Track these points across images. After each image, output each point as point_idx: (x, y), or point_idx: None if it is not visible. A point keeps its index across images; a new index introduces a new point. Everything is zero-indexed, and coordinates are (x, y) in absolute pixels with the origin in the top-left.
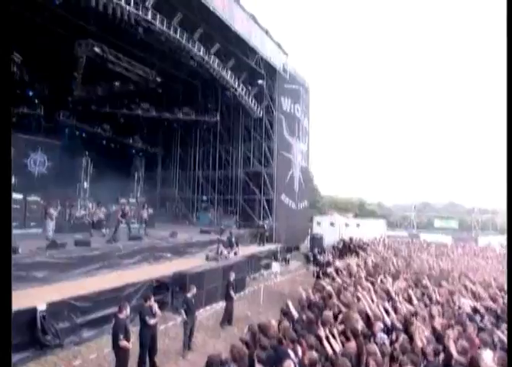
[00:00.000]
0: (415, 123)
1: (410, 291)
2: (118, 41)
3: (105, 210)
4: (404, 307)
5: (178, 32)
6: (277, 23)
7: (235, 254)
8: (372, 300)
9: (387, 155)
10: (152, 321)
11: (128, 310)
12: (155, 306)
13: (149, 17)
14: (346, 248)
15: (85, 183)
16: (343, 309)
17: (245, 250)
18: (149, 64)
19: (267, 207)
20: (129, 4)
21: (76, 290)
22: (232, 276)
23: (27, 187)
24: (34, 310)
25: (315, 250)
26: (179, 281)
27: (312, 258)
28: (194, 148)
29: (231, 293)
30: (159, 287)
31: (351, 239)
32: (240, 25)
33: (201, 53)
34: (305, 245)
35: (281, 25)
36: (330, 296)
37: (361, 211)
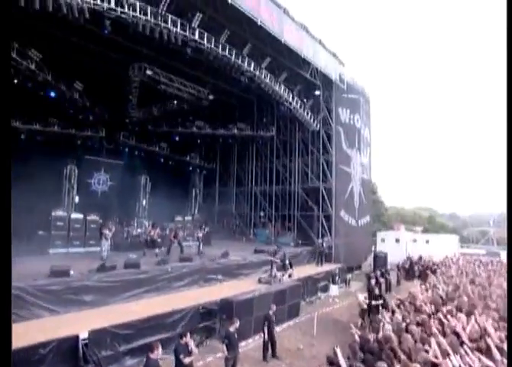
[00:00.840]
0: (490, 123)
1: (489, 340)
2: (170, 62)
3: (158, 230)
4: (478, 362)
5: (227, 49)
6: (330, 32)
7: (290, 276)
8: (441, 348)
9: (458, 160)
10: (187, 360)
11: (160, 349)
12: (191, 344)
13: (196, 36)
14: (413, 269)
15: (143, 201)
16: (402, 357)
17: (301, 271)
18: (201, 82)
19: (325, 224)
20: (176, 26)
21: (121, 316)
22: (272, 309)
23: (90, 205)
24: (76, 338)
25: (378, 271)
26: (226, 308)
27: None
28: (251, 164)
29: (271, 326)
30: (207, 313)
31: (420, 258)
32: (290, 36)
33: (251, 68)
34: (368, 264)
35: (335, 34)
36: (388, 340)
37: (431, 224)
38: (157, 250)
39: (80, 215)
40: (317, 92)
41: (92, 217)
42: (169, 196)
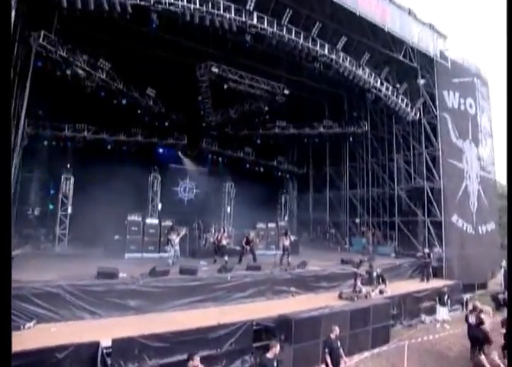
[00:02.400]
0: None
1: None
2: (235, 58)
3: (226, 236)
4: None
5: (293, 32)
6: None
7: (381, 292)
8: None
9: None
10: None
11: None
12: None
13: (254, 21)
14: None
15: (228, 208)
16: None
17: (400, 287)
18: (273, 77)
19: (433, 231)
20: (229, 11)
21: (162, 325)
22: (335, 331)
23: (175, 213)
24: (96, 346)
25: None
26: (284, 327)
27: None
28: (344, 165)
29: (334, 355)
30: (262, 331)
31: None
32: (367, 7)
33: (325, 51)
34: (496, 282)
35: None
36: None
37: None
38: (226, 257)
39: (155, 221)
40: (415, 75)
41: (167, 223)
42: (254, 202)
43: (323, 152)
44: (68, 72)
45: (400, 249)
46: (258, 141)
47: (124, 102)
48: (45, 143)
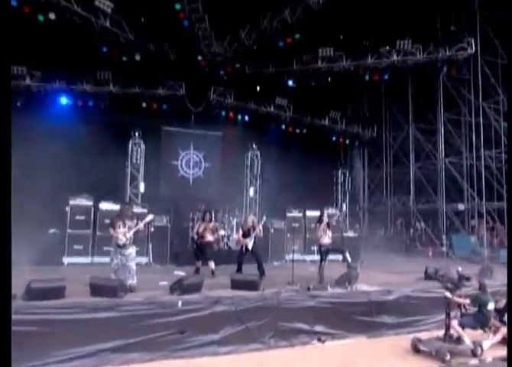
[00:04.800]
0: None
1: None
2: None
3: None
4: None
5: None
6: None
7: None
8: None
9: None
10: None
11: None
12: None
13: None
14: None
15: (251, 190)
16: None
17: None
18: None
19: None
20: None
21: None
22: None
23: (174, 199)
24: None
25: None
26: None
27: None
28: (438, 118)
29: None
30: None
31: None
32: None
33: None
34: None
35: None
36: None
37: None
38: (211, 264)
39: (115, 206)
40: None
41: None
42: (292, 182)
43: (402, 99)
44: None
45: None
46: (293, 85)
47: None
48: None
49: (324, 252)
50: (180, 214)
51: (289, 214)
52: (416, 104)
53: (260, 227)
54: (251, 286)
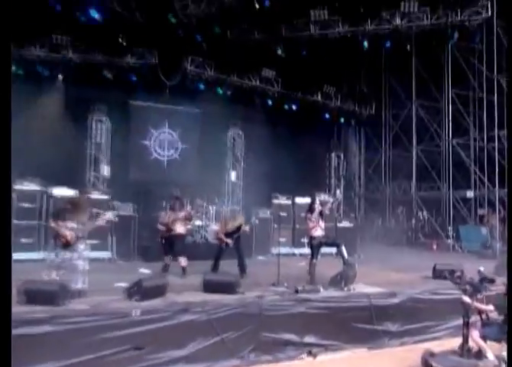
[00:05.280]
0: None
1: None
2: None
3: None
4: None
5: None
6: None
7: None
8: None
9: None
10: None
11: None
12: None
13: None
14: None
15: (233, 174)
16: None
17: None
18: None
19: None
20: None
21: None
22: None
23: (146, 184)
24: None
25: None
26: None
27: None
28: (444, 94)
29: None
30: None
31: None
32: None
33: None
34: None
35: None
36: None
37: None
38: (182, 261)
39: (69, 192)
40: None
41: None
42: (280, 165)
43: (405, 72)
44: None
45: None
46: (282, 55)
47: None
48: None
49: (316, 246)
50: (151, 202)
51: (276, 201)
52: (420, 78)
53: (247, 228)
54: (228, 288)
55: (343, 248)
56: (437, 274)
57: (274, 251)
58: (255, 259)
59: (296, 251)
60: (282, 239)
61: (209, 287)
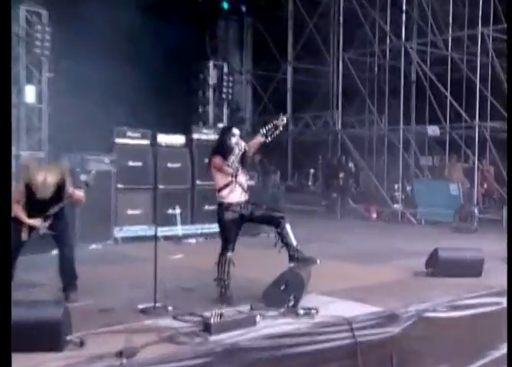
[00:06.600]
0: None
1: None
2: None
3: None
4: None
5: None
6: None
7: None
8: None
9: None
10: None
11: None
12: None
13: None
14: None
15: (29, 90)
16: None
17: None
18: None
19: None
20: None
21: None
22: None
23: None
24: None
25: None
26: None
27: None
28: None
29: None
30: None
31: None
32: None
33: None
34: None
35: None
36: None
37: None
38: None
39: None
40: None
41: None
42: (119, 73)
43: None
44: None
45: None
46: None
47: None
48: None
49: (233, 224)
50: None
51: (120, 141)
52: None
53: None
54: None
55: (288, 228)
56: (441, 268)
57: (119, 234)
58: (84, 250)
59: (163, 231)
60: (134, 211)
61: None
